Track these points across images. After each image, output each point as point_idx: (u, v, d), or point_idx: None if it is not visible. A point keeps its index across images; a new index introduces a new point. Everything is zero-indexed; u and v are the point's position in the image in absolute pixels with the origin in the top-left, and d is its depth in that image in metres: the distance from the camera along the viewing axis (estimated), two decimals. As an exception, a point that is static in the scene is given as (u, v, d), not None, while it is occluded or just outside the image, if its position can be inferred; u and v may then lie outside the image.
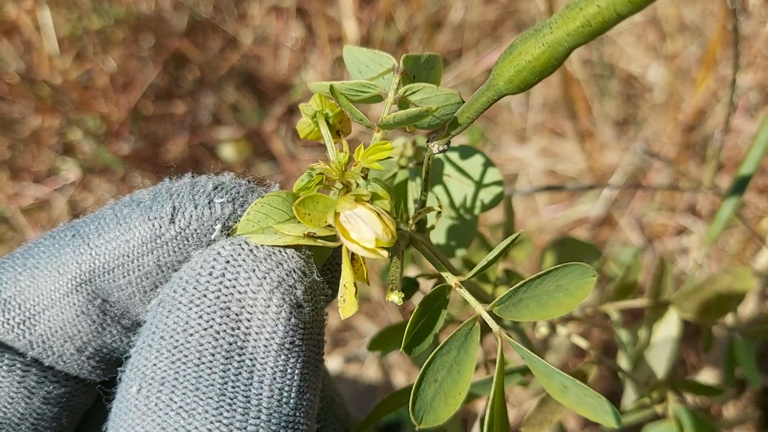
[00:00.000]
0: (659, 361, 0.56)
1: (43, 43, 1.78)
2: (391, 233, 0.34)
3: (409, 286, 0.49)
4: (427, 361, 0.37)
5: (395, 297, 0.35)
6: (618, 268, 0.92)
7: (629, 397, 0.54)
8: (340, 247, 0.36)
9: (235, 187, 0.40)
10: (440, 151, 0.40)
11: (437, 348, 0.37)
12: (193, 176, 0.41)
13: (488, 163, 0.48)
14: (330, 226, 0.35)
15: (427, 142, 0.41)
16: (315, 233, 0.35)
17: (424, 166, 0.41)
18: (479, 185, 0.48)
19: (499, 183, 0.48)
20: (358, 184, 0.37)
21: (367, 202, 0.35)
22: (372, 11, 1.91)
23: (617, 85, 1.93)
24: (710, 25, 1.78)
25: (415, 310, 0.37)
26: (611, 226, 1.81)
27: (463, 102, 0.39)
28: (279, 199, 0.38)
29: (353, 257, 0.36)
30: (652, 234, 1.81)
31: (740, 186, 0.69)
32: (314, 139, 0.41)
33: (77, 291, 0.39)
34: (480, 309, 0.37)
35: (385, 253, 0.34)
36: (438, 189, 0.50)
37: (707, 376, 1.12)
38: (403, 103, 0.40)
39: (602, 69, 1.93)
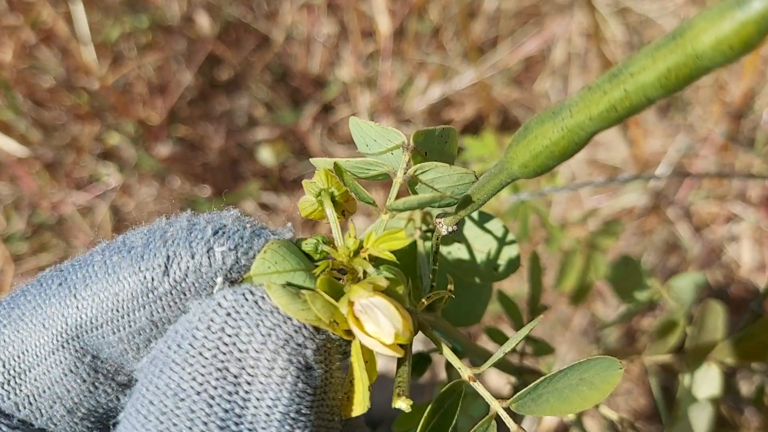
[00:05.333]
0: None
1: (80, 49, 1.80)
2: (410, 329, 0.31)
3: (422, 362, 0.47)
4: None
5: (402, 404, 0.32)
6: (671, 298, 0.88)
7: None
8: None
9: (238, 231, 0.34)
10: (449, 232, 0.38)
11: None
12: (191, 215, 0.36)
13: (505, 230, 0.45)
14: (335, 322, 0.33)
15: (436, 219, 0.38)
16: (337, 323, 0.32)
17: (432, 245, 0.39)
18: (495, 252, 0.46)
19: (515, 249, 0.45)
20: (366, 272, 0.34)
21: (383, 291, 0.33)
22: (404, 3, 1.87)
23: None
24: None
25: (427, 410, 0.35)
26: (658, 215, 1.76)
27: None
28: (294, 246, 0.35)
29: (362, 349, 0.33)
30: (701, 222, 1.74)
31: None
32: (317, 219, 0.39)
33: (64, 348, 0.35)
34: (496, 406, 0.35)
35: (402, 352, 0.32)
36: (452, 256, 0.48)
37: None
38: (413, 182, 0.38)
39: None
